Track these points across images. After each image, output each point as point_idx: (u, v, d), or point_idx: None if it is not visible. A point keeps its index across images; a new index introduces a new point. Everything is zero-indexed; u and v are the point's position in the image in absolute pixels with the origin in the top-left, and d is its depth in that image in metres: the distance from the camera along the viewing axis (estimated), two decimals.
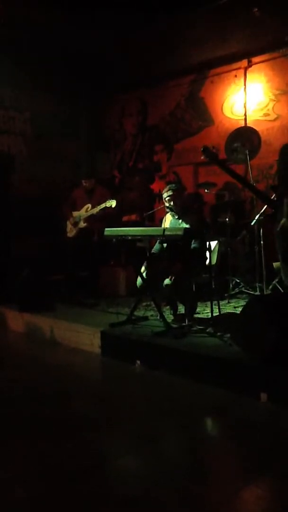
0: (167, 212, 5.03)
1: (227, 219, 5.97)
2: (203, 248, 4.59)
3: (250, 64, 6.94)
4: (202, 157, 4.05)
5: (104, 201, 6.00)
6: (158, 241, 4.90)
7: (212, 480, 2.41)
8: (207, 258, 4.66)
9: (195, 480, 2.36)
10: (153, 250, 4.94)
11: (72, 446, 2.74)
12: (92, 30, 6.15)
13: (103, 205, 5.97)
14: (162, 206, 5.09)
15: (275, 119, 6.67)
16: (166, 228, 4.74)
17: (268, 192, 4.35)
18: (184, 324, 4.56)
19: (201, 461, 2.59)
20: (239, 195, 6.88)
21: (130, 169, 8.63)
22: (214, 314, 4.57)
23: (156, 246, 4.97)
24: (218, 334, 4.19)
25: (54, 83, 7.41)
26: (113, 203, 5.90)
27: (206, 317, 4.83)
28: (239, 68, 7.04)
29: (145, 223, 6.64)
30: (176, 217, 4.90)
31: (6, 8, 5.68)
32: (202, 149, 4.02)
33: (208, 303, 4.63)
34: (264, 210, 5.49)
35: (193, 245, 4.65)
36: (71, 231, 6.40)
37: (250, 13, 5.54)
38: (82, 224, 6.27)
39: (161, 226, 5.12)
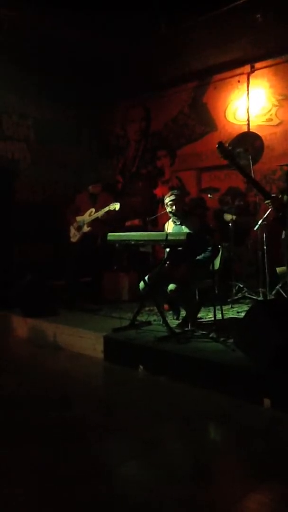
0: (170, 218, 5.03)
1: (230, 224, 5.97)
2: (211, 258, 4.59)
3: (253, 70, 6.96)
4: (217, 153, 4.06)
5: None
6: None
7: (215, 487, 2.39)
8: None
9: (198, 487, 2.34)
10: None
11: (74, 451, 2.73)
12: (95, 37, 6.18)
13: (107, 208, 5.99)
14: (165, 211, 5.10)
15: (278, 124, 6.68)
16: (169, 233, 4.74)
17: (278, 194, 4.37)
18: (187, 329, 4.55)
19: (204, 467, 2.57)
20: (242, 200, 6.87)
21: (133, 174, 8.65)
22: (217, 319, 4.55)
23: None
24: (221, 339, 4.17)
25: (58, 90, 7.44)
26: (117, 205, 5.91)
27: (209, 321, 4.81)
28: (242, 73, 7.06)
29: (148, 228, 6.64)
30: (178, 223, 4.90)
31: (10, 15, 5.72)
32: (217, 145, 4.04)
33: (211, 308, 4.62)
34: (267, 215, 5.48)
35: (203, 255, 4.66)
36: (74, 236, 6.41)
37: (253, 19, 5.56)
38: (85, 229, 6.27)
39: (163, 231, 5.12)
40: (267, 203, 4.01)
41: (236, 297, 5.84)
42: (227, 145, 4.27)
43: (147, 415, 3.29)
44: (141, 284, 4.77)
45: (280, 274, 5.22)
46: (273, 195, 4.19)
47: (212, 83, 7.44)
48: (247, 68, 6.99)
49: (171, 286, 4.51)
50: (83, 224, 6.30)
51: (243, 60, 6.87)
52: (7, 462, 2.65)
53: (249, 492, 2.26)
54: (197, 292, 4.84)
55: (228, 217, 6.12)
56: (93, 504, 2.21)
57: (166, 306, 5.20)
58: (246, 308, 5.28)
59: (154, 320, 5.02)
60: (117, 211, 6.00)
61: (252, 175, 5.97)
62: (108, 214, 6.06)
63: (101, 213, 6.07)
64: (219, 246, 4.94)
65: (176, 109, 7.93)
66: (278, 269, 5.28)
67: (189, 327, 4.56)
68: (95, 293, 6.40)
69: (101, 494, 2.29)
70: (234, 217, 6.01)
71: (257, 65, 6.89)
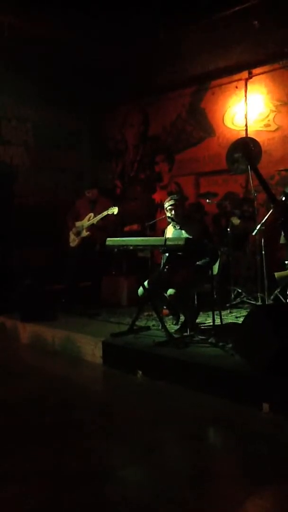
0: (169, 223, 5.05)
1: (228, 229, 5.99)
2: (210, 263, 4.61)
3: (250, 76, 6.98)
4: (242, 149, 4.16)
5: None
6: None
7: (214, 492, 2.39)
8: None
9: (197, 491, 2.35)
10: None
11: (72, 456, 2.74)
12: (94, 42, 6.21)
13: (105, 213, 6.02)
14: (164, 216, 5.12)
15: (275, 130, 6.71)
16: (168, 238, 4.75)
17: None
18: (185, 334, 4.56)
19: (203, 472, 2.57)
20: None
21: (131, 179, 8.67)
22: (216, 324, 4.56)
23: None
24: (220, 344, 4.18)
25: (56, 94, 7.48)
26: (115, 210, 5.94)
27: (208, 326, 4.82)
28: (240, 79, 7.08)
29: (146, 233, 6.66)
30: (178, 227, 4.92)
31: (9, 21, 5.74)
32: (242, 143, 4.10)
33: (210, 313, 4.63)
34: (265, 220, 5.51)
35: (202, 261, 4.67)
36: (73, 241, 6.43)
37: (250, 25, 5.59)
38: (84, 233, 6.29)
39: (163, 236, 5.13)
40: (273, 207, 4.02)
41: (234, 302, 5.85)
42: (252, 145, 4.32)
43: (146, 419, 3.30)
44: (140, 289, 4.78)
45: (279, 279, 5.24)
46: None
47: (210, 89, 7.47)
48: (245, 74, 7.01)
49: (170, 291, 4.52)
50: (82, 229, 6.33)
51: (241, 65, 6.89)
52: (7, 464, 2.65)
53: (249, 496, 2.27)
54: (195, 297, 4.85)
55: (236, 221, 6.12)
56: (93, 506, 2.22)
57: (165, 311, 5.20)
58: (244, 313, 5.29)
59: (153, 325, 5.03)
60: (116, 216, 6.03)
61: (250, 180, 6.03)
62: (107, 218, 6.09)
63: (99, 217, 6.10)
64: (218, 251, 4.96)
65: (174, 114, 7.95)
66: (277, 274, 5.29)
67: (188, 332, 4.56)
68: (94, 297, 6.40)
69: (101, 496, 2.29)
70: (239, 221, 6.03)
71: (255, 71, 6.91)
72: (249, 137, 6.78)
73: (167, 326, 4.61)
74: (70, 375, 4.43)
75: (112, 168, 8.96)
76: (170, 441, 3.00)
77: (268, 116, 6.81)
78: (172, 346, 4.25)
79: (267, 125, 6.81)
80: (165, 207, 4.96)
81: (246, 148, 4.60)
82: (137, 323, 4.87)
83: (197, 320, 4.98)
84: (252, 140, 6.60)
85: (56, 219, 7.38)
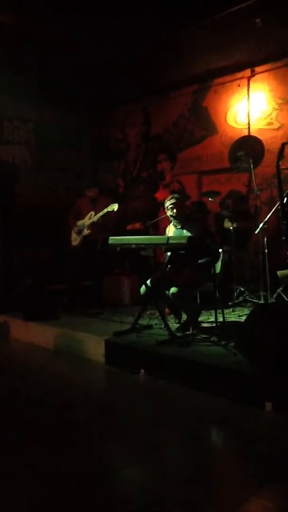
0: (171, 222, 5.04)
1: (231, 228, 5.97)
2: (212, 263, 4.59)
3: (253, 74, 6.96)
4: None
5: None
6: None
7: (217, 492, 2.38)
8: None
9: (199, 490, 2.34)
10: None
11: (74, 456, 2.73)
12: (96, 41, 6.20)
13: (105, 210, 6.02)
14: (166, 215, 5.10)
15: (278, 128, 6.68)
16: (171, 236, 4.74)
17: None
18: (188, 333, 4.55)
19: (205, 472, 2.56)
20: (243, 203, 6.86)
21: (134, 178, 8.67)
22: (219, 323, 4.54)
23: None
24: (223, 343, 4.17)
25: (58, 94, 7.47)
26: (115, 206, 5.94)
27: (210, 325, 4.81)
28: (242, 77, 7.06)
29: (149, 231, 6.65)
30: (179, 226, 4.90)
31: (9, 21, 5.74)
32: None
33: (213, 312, 4.61)
34: (268, 218, 5.50)
35: (204, 259, 4.65)
36: (75, 240, 6.43)
37: (252, 24, 5.58)
38: (86, 232, 6.29)
39: (164, 235, 5.12)
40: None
41: (237, 301, 5.83)
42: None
43: (148, 419, 3.29)
44: (142, 287, 4.77)
45: (281, 277, 5.22)
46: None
47: (212, 87, 7.44)
48: (247, 72, 6.99)
49: (173, 290, 4.51)
50: (83, 227, 6.32)
51: (244, 64, 6.87)
52: (7, 464, 2.64)
53: (251, 496, 2.26)
54: (198, 295, 4.83)
55: (228, 224, 6.11)
56: (94, 506, 2.21)
57: (167, 309, 5.19)
58: (247, 311, 5.28)
59: (155, 324, 5.02)
60: (118, 214, 6.03)
61: (253, 178, 6.02)
62: (108, 216, 6.08)
63: (100, 215, 6.09)
64: (220, 250, 4.94)
65: (176, 113, 7.93)
66: (279, 273, 5.27)
67: (190, 331, 4.55)
68: (96, 296, 6.40)
69: (102, 497, 2.28)
70: (234, 224, 6.01)
71: (257, 69, 6.89)
72: (253, 137, 6.76)
73: (170, 325, 4.61)
74: (72, 374, 4.43)
75: (114, 167, 8.95)
76: (172, 440, 2.98)
77: (270, 114, 6.79)
78: (175, 344, 4.25)
79: (270, 123, 6.79)
80: (165, 206, 4.95)
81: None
82: (139, 322, 4.86)
83: (199, 319, 4.97)
84: (256, 141, 6.57)
85: (56, 219, 7.38)
